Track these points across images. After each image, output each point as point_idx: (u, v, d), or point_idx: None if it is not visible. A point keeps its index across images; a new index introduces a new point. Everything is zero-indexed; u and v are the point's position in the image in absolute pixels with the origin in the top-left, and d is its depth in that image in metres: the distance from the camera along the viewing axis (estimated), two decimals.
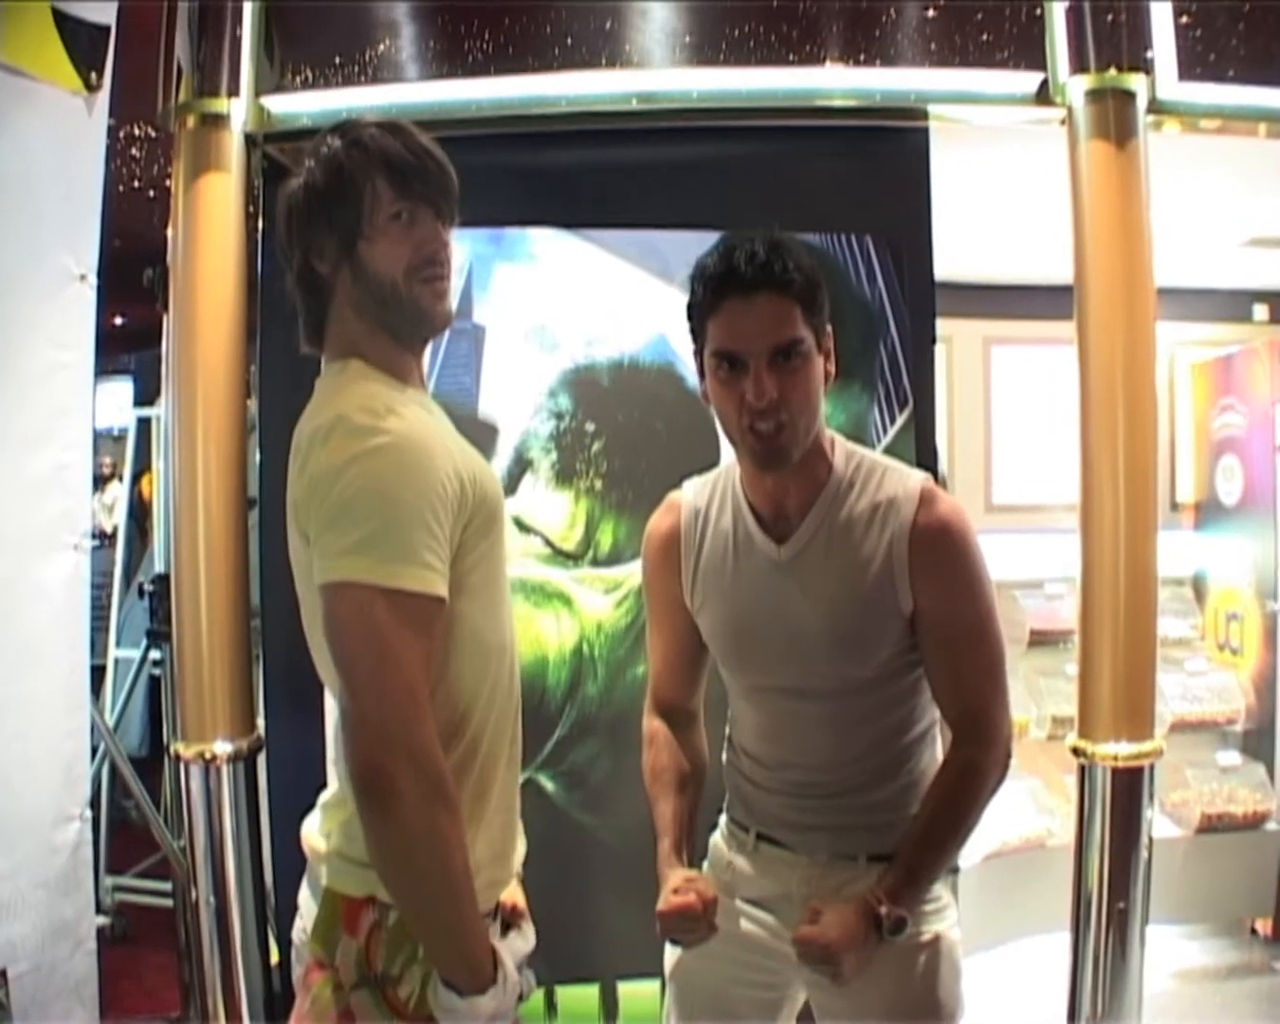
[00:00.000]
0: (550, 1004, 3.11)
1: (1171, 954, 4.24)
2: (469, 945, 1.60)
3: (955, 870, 2.03)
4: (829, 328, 1.93)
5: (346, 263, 1.69)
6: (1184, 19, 3.05)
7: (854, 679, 1.94)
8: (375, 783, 1.49)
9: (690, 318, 1.94)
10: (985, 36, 3.11)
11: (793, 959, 1.86)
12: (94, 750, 3.49)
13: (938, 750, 2.05)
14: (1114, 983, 2.98)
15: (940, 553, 1.89)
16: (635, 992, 3.08)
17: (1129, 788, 2.94)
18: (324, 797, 1.84)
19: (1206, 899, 4.39)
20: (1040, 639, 4.51)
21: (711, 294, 1.87)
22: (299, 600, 1.73)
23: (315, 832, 1.78)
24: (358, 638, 1.52)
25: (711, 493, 2.11)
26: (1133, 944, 2.98)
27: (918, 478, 1.95)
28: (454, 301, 1.80)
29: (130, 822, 5.00)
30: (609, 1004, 3.14)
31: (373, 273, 1.68)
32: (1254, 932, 4.49)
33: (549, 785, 3.12)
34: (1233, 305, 5.00)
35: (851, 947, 1.76)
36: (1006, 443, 4.89)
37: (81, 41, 2.83)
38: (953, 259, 3.47)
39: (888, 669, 1.95)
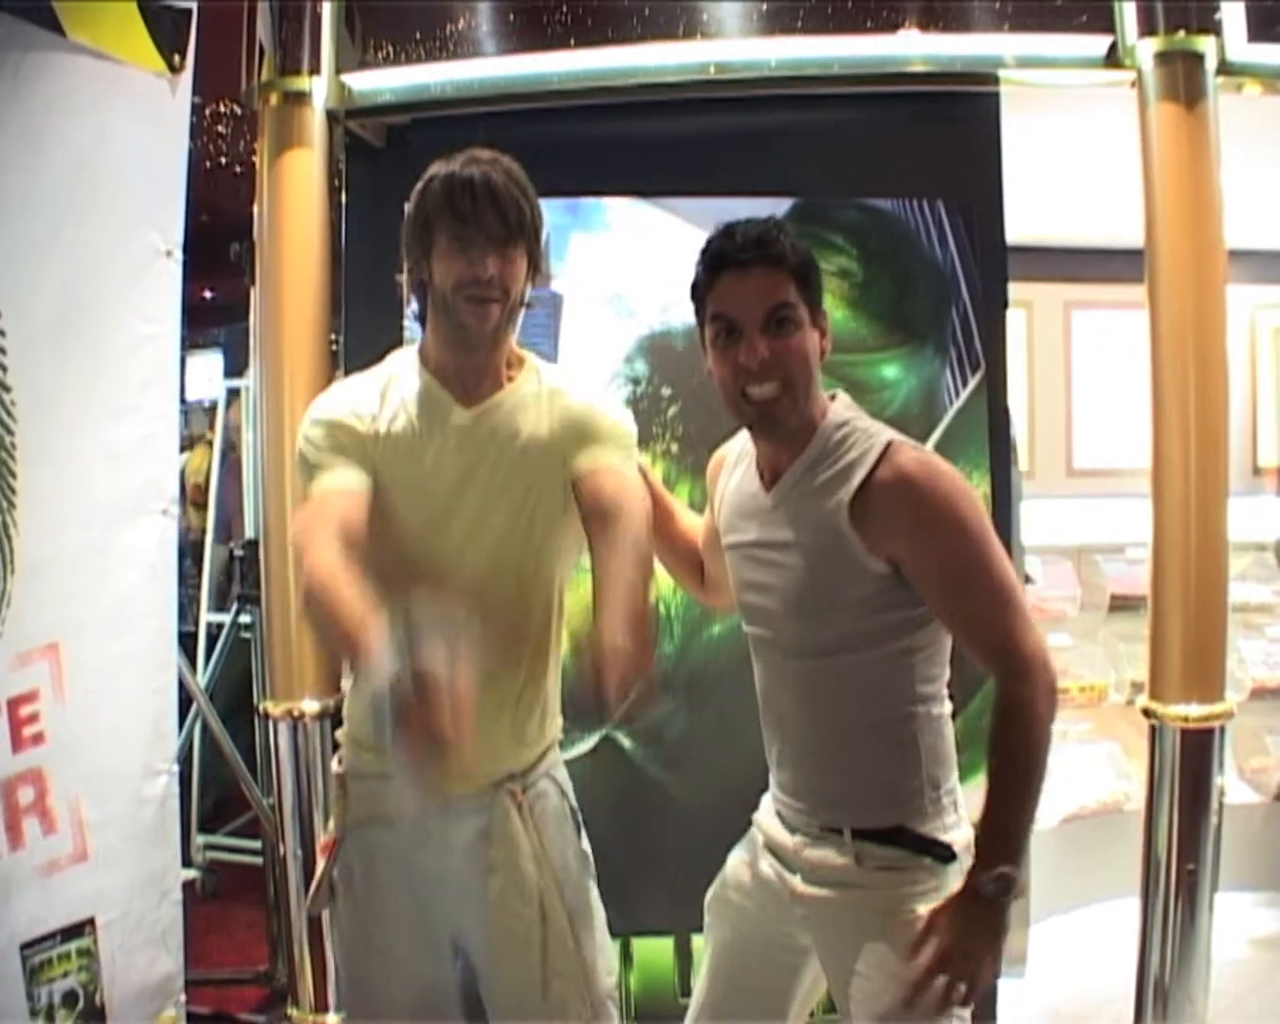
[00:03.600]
0: (626, 956, 3.17)
1: (1248, 921, 4.20)
2: None
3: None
4: (824, 309, 1.99)
5: (427, 274, 2.00)
6: None
7: (814, 642, 1.95)
8: None
9: (693, 297, 2.02)
10: (1055, 0, 3.10)
11: (795, 912, 1.99)
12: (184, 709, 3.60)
13: (943, 728, 1.99)
14: (1183, 945, 2.99)
15: (900, 507, 1.85)
16: None
17: (1199, 750, 2.95)
18: None
19: None
20: (1121, 604, 4.44)
21: (710, 271, 1.95)
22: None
23: None
24: None
25: (744, 446, 2.16)
26: (1202, 907, 3.00)
27: (883, 438, 1.92)
28: (504, 320, 1.99)
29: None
30: (683, 957, 3.19)
31: (435, 285, 1.98)
32: None
33: (626, 742, 3.18)
34: None
35: (967, 938, 1.76)
36: (1087, 407, 4.85)
37: (165, 25, 2.91)
38: (1033, 223, 3.45)
39: (856, 636, 1.92)
